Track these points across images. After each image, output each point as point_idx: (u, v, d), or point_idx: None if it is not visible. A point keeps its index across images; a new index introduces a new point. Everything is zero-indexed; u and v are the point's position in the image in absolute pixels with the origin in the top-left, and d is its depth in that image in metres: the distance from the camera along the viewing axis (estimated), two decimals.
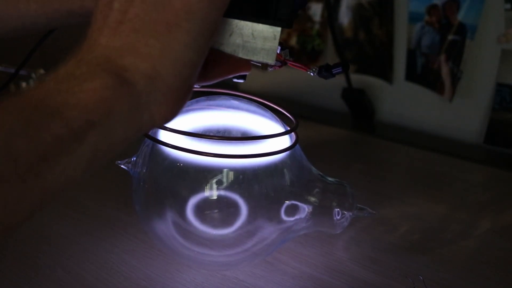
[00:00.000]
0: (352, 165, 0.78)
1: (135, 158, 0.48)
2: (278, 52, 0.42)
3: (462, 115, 0.88)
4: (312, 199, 0.47)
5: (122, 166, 0.48)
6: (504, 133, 0.82)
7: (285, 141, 0.47)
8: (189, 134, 0.44)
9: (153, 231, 0.47)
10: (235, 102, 0.48)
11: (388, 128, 0.96)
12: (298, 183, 0.47)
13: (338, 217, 0.47)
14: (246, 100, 0.49)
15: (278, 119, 0.49)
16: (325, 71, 0.46)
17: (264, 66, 0.42)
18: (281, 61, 0.43)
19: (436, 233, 0.57)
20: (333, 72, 0.46)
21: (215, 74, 0.38)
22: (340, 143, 0.92)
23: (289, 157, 0.47)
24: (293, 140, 0.48)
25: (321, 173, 0.49)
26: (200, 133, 0.44)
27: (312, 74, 0.46)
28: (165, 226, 0.46)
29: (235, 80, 0.44)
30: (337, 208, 0.47)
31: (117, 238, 0.54)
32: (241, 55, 0.38)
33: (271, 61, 0.39)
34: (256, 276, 0.49)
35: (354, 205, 0.48)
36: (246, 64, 0.38)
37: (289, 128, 0.48)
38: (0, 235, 0.27)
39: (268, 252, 0.48)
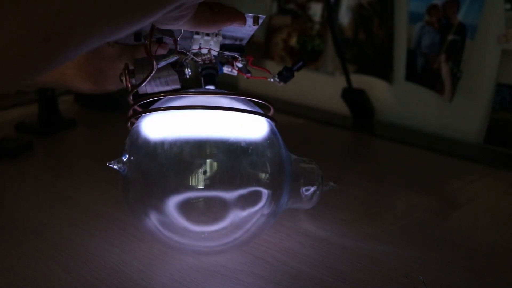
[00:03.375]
0: (352, 165, 0.78)
1: (126, 156, 0.47)
2: (240, 66, 0.50)
3: (462, 115, 0.88)
4: (281, 181, 0.48)
5: (113, 166, 0.48)
6: (504, 133, 0.82)
7: (264, 127, 0.48)
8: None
9: (141, 221, 0.47)
10: (213, 98, 0.49)
11: (388, 128, 0.96)
12: (272, 167, 0.47)
13: (306, 194, 0.50)
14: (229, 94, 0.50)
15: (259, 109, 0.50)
16: (286, 71, 0.50)
17: (244, 70, 0.50)
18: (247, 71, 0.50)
19: (436, 233, 0.57)
20: (293, 70, 0.50)
21: (215, 22, 0.42)
22: (340, 143, 0.92)
23: (265, 141, 0.47)
24: (270, 128, 0.49)
25: (291, 154, 0.51)
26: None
27: (272, 80, 0.50)
28: (149, 218, 0.46)
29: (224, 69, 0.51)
30: (304, 186, 0.50)
31: (117, 238, 0.54)
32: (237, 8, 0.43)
33: (262, 13, 0.45)
34: (256, 276, 0.49)
35: (321, 181, 0.51)
36: (241, 16, 0.43)
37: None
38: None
39: (257, 233, 0.49)
